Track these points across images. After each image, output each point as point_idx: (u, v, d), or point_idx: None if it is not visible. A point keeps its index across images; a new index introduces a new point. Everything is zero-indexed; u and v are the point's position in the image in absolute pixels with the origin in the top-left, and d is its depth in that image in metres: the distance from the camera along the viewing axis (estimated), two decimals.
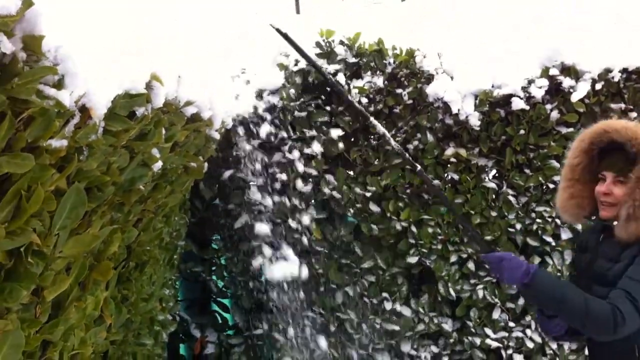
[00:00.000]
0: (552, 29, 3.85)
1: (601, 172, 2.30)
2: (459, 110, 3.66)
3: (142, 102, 1.70)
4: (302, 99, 3.71)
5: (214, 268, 3.93)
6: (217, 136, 2.57)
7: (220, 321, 3.92)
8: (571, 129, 3.71)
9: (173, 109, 2.00)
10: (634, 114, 3.78)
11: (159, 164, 1.97)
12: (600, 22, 3.86)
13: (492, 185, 3.81)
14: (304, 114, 3.71)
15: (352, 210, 3.78)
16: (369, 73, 3.77)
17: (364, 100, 3.68)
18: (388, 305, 3.80)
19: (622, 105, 3.76)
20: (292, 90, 3.72)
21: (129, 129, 1.69)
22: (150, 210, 2.28)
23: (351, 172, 3.79)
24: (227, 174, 3.72)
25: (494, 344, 3.81)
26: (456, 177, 3.80)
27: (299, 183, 3.71)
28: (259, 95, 3.77)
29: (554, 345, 3.86)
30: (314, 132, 3.71)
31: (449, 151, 3.76)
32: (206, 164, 2.69)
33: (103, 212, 1.82)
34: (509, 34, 3.88)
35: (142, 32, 2.04)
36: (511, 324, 3.86)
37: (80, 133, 1.50)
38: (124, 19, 1.99)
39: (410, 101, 3.73)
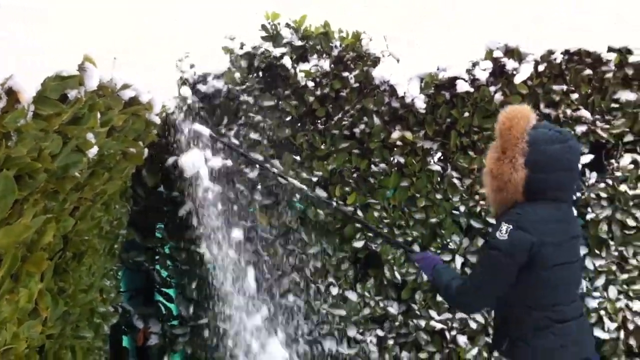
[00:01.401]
0: (552, 29, 3.88)
1: None
2: (404, 93, 3.65)
3: (74, 85, 1.61)
4: (247, 83, 3.63)
5: (157, 257, 3.83)
6: (157, 120, 2.48)
7: (164, 311, 3.83)
8: None
9: (109, 92, 1.90)
10: (575, 95, 3.84)
11: (95, 149, 1.88)
12: (601, 22, 3.91)
13: (437, 168, 3.83)
14: (249, 98, 3.64)
15: (298, 196, 3.74)
16: (315, 56, 3.72)
17: (311, 83, 3.63)
18: (334, 290, 3.78)
19: (564, 87, 3.82)
20: (238, 74, 3.64)
21: (60, 112, 1.60)
22: (87, 198, 2.18)
23: (297, 157, 3.75)
24: (171, 160, 3.62)
25: (439, 326, 3.83)
26: (402, 160, 3.80)
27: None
28: (204, 79, 3.69)
29: None
30: (259, 117, 3.64)
31: (395, 134, 3.74)
32: (147, 150, 2.59)
33: (35, 200, 1.72)
34: (509, 34, 3.91)
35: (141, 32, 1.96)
36: None
37: (7, 117, 1.41)
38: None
39: (357, 84, 3.69)
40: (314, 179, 3.71)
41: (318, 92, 3.66)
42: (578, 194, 4.05)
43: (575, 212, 3.97)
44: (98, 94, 1.80)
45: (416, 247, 3.86)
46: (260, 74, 3.70)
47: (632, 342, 4.16)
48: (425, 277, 3.67)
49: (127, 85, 1.98)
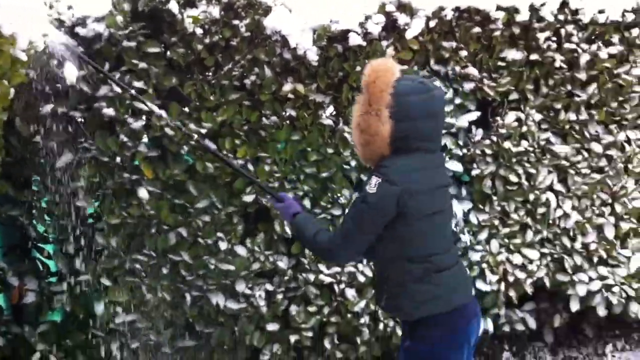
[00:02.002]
0: None
1: None
2: (297, 44, 3.57)
3: None
4: (130, 28, 3.43)
5: (34, 211, 3.60)
6: (23, 57, 2.28)
7: (41, 268, 3.63)
8: (405, 67, 3.75)
9: None
10: (464, 52, 3.90)
11: None
12: None
13: (329, 122, 3.80)
14: (133, 43, 3.44)
15: (186, 148, 3.60)
16: (204, 2, 3.56)
17: (199, 31, 3.47)
18: (223, 245, 3.70)
19: (454, 44, 3.86)
20: (120, 18, 3.43)
21: None
22: None
23: (185, 108, 3.61)
24: (48, 107, 3.39)
25: (328, 280, 3.85)
26: (294, 113, 3.74)
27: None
28: (83, 22, 3.45)
29: None
30: (144, 64, 3.46)
31: (287, 87, 3.67)
32: (13, 90, 2.39)
33: None
34: None
35: None
36: None
37: None
38: None
39: (248, 33, 3.57)
40: (203, 131, 3.58)
41: (207, 40, 3.51)
42: (464, 150, 4.15)
43: (459, 167, 4.09)
44: None
45: (307, 203, 3.84)
46: (145, 18, 3.50)
47: (511, 293, 4.36)
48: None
49: None
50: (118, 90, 3.40)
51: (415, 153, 2.50)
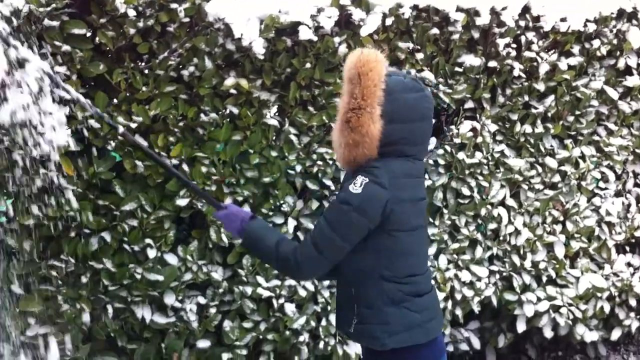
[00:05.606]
0: None
1: None
2: (242, 34, 3.25)
3: None
4: (53, 5, 3.04)
5: None
6: None
7: None
8: None
9: None
10: (420, 55, 3.66)
11: None
12: None
13: (274, 122, 3.49)
14: (55, 23, 3.05)
15: (113, 143, 3.23)
16: None
17: (132, 12, 3.11)
18: (151, 253, 3.35)
19: (410, 45, 3.61)
20: None
21: None
22: None
23: (114, 99, 3.24)
24: None
25: (266, 293, 3.53)
26: (235, 111, 3.41)
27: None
28: None
29: (326, 294, 3.71)
30: (68, 47, 3.08)
31: (229, 81, 3.34)
32: None
33: None
34: None
35: None
36: None
37: None
38: None
39: (187, 19, 3.22)
40: (133, 125, 3.22)
41: (141, 24, 3.15)
42: None
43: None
44: None
45: (247, 208, 3.53)
46: None
47: (458, 312, 4.15)
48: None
49: None
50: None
51: (402, 158, 2.25)
